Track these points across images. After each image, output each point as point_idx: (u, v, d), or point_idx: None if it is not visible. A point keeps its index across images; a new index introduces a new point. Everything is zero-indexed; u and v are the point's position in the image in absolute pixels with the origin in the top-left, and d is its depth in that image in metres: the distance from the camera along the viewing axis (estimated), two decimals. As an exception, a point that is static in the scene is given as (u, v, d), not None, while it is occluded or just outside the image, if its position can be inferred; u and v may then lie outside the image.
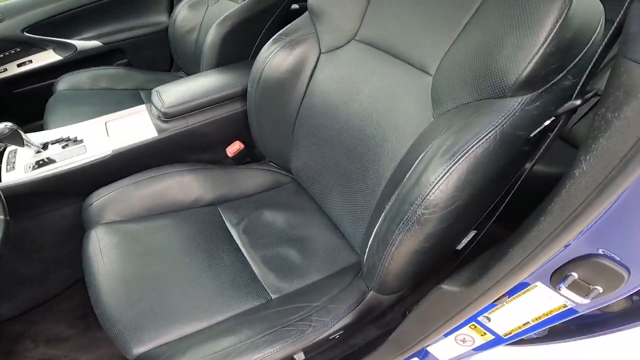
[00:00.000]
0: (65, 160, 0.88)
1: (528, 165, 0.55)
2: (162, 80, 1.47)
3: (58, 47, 1.51)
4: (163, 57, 1.64)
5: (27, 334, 1.02)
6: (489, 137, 0.49)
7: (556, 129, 0.47)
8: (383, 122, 0.70)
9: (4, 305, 1.02)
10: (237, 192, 0.96)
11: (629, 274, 0.40)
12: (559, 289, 0.43)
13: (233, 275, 0.77)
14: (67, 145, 0.93)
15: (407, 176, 0.56)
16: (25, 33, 1.43)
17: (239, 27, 1.12)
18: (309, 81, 0.85)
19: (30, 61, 1.50)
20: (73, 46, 1.50)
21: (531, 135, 0.51)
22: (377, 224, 0.61)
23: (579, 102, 0.43)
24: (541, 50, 0.47)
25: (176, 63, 1.63)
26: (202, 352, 0.63)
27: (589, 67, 0.42)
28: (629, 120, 0.30)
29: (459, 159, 0.49)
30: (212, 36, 1.11)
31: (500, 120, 0.49)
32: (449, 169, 0.50)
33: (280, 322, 0.68)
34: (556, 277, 0.44)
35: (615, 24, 0.37)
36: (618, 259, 0.38)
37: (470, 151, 0.49)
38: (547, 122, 0.49)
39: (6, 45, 1.45)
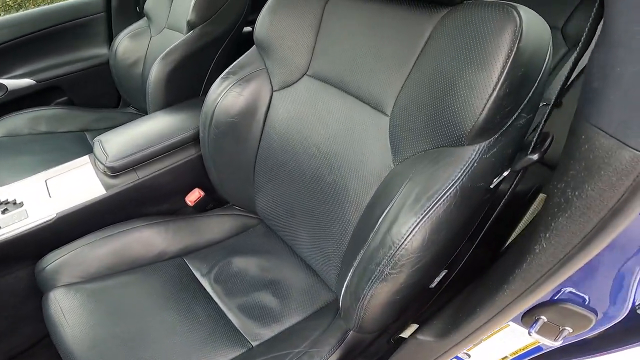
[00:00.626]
0: (7, 227, 0.80)
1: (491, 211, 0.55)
2: (110, 119, 1.39)
3: (-16, 87, 1.38)
4: (107, 92, 1.53)
5: None
6: (449, 194, 0.47)
7: (514, 182, 0.47)
8: (343, 168, 0.68)
9: None
10: (203, 240, 0.91)
11: (596, 316, 0.40)
12: (530, 333, 0.44)
13: (211, 327, 0.73)
14: (7, 209, 0.84)
15: (371, 235, 0.54)
16: (-57, 73, 1.30)
17: (185, 62, 1.06)
18: (264, 122, 0.82)
19: (-44, 103, 1.37)
20: (3, 86, 1.37)
21: (491, 187, 0.50)
22: (347, 278, 0.60)
23: (536, 157, 0.43)
24: (494, 94, 0.44)
25: (124, 98, 1.53)
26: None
27: (547, 110, 0.41)
28: (590, 201, 0.29)
29: (420, 220, 0.48)
30: (155, 73, 1.04)
31: (459, 174, 0.47)
32: (412, 231, 0.48)
33: (264, 375, 0.65)
34: (527, 319, 0.45)
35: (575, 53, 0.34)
36: (585, 298, 0.38)
37: (432, 211, 0.47)
38: (505, 173, 0.48)
39: None
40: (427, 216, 0.47)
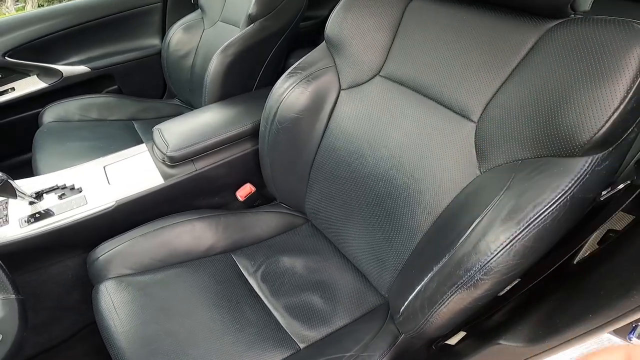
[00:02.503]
0: (65, 213, 0.81)
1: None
2: (156, 109, 1.40)
3: (43, 73, 1.41)
4: (155, 83, 1.55)
5: None
6: (560, 203, 0.45)
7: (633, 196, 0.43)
8: (417, 172, 0.65)
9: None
10: (251, 237, 0.90)
11: None
12: (629, 339, 0.42)
13: (258, 327, 0.72)
14: (64, 194, 0.85)
15: (460, 240, 0.52)
16: (6, 57, 1.33)
17: (243, 55, 1.05)
18: (328, 120, 0.80)
19: (13, 89, 1.39)
20: (59, 72, 1.40)
21: (601, 199, 0.46)
22: (422, 283, 0.58)
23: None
24: (621, 107, 0.42)
25: (169, 90, 1.54)
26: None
27: None
28: None
29: (525, 227, 0.46)
30: (215, 66, 1.03)
31: (570, 184, 0.45)
32: (514, 237, 0.46)
33: (316, 377, 0.63)
34: (623, 327, 0.43)
35: None
36: None
37: (538, 220, 0.45)
38: (622, 186, 0.45)
39: (-14, 71, 1.35)
40: (532, 224, 0.45)
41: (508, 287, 0.65)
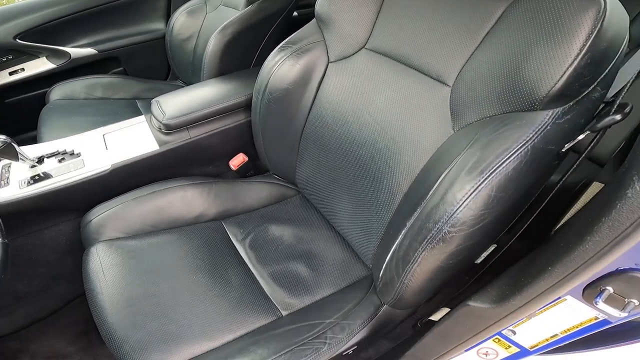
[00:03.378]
0: (62, 176, 0.84)
1: (554, 179, 0.54)
2: (159, 89, 1.44)
3: (51, 54, 1.46)
4: (159, 65, 1.60)
5: (25, 350, 0.98)
6: (521, 152, 0.47)
7: (592, 143, 0.45)
8: (397, 135, 0.68)
9: (0, 321, 0.97)
10: (242, 206, 0.93)
11: None
12: (596, 303, 0.43)
13: (242, 292, 0.74)
14: (63, 159, 0.89)
15: (430, 193, 0.54)
16: (17, 40, 1.38)
17: (240, 35, 1.09)
18: (317, 91, 0.83)
19: (23, 69, 1.45)
20: (67, 54, 1.46)
21: (562, 150, 0.49)
22: (396, 242, 0.59)
23: (619, 117, 0.41)
24: (575, 62, 0.45)
25: (173, 72, 1.59)
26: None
27: (628, 82, 0.40)
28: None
29: (488, 176, 0.47)
30: (213, 45, 1.07)
31: (531, 135, 0.47)
32: (478, 186, 0.48)
33: (294, 341, 0.66)
34: (590, 292, 0.44)
35: None
36: None
37: (501, 167, 0.47)
38: (581, 137, 0.47)
39: (-2, 53, 1.40)
40: (495, 172, 0.47)
41: (484, 254, 0.66)
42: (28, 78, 1.45)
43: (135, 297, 0.70)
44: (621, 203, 0.34)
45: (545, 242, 0.56)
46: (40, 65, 1.46)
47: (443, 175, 0.53)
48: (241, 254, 0.83)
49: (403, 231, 0.58)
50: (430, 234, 0.51)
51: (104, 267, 0.74)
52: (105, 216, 0.82)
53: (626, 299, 0.41)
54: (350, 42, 0.78)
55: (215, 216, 0.90)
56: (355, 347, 0.70)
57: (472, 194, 0.48)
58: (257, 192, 0.95)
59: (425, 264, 0.54)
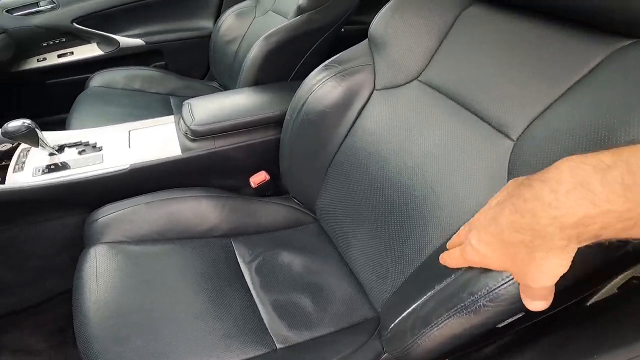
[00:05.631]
0: (79, 169, 0.81)
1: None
2: (195, 89, 1.43)
3: (102, 41, 1.49)
4: (200, 64, 1.59)
5: None
6: None
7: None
8: (439, 185, 0.59)
9: None
10: (255, 226, 0.86)
11: None
12: None
13: (239, 317, 0.68)
14: (84, 150, 0.86)
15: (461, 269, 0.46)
16: (74, 24, 1.41)
17: (285, 45, 1.04)
18: (356, 119, 0.75)
19: (72, 53, 1.49)
20: (116, 42, 1.48)
21: None
22: (419, 301, 0.52)
23: None
24: None
25: (211, 72, 1.57)
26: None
27: None
28: None
29: None
30: (255, 52, 1.03)
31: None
32: None
33: (286, 383, 0.58)
34: None
35: None
36: None
37: None
38: None
39: (53, 34, 1.44)
40: None
41: (508, 320, 0.58)
42: (74, 62, 1.48)
43: (124, 308, 0.65)
44: None
45: (581, 316, 0.49)
46: (88, 51, 1.49)
47: None
48: (246, 277, 0.76)
49: (429, 293, 0.51)
50: (462, 304, 0.44)
51: (98, 273, 0.69)
52: (113, 217, 0.78)
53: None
54: (402, 71, 0.71)
55: (226, 232, 0.84)
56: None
57: None
58: (273, 213, 0.88)
59: (447, 330, 0.47)
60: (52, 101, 1.49)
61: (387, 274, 0.67)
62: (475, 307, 0.43)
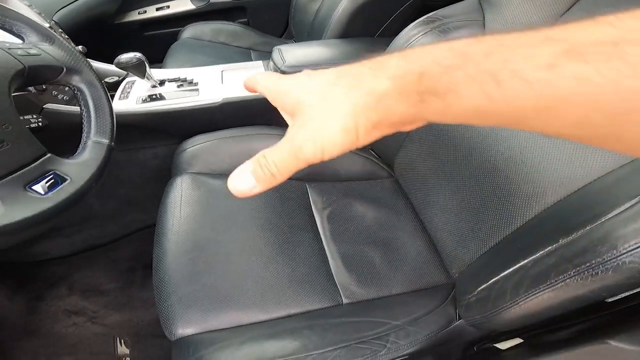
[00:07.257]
0: (177, 100, 0.87)
1: None
2: (273, 44, 1.44)
3: (195, -5, 1.57)
4: (279, 22, 1.64)
5: (67, 278, 0.97)
6: None
7: None
8: (535, 155, 0.56)
9: (59, 242, 0.98)
10: (330, 173, 0.86)
11: None
12: None
13: (308, 266, 0.68)
14: (182, 85, 0.93)
15: (611, 214, 0.42)
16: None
17: (376, 1, 1.02)
18: (454, 74, 0.72)
19: (168, 7, 1.58)
20: (207, -3, 1.55)
21: None
22: (529, 258, 0.48)
23: None
24: None
25: (289, 30, 1.61)
26: (261, 352, 0.56)
27: None
28: None
29: None
30: (346, 4, 1.03)
31: None
32: None
33: (354, 337, 0.58)
34: None
35: None
36: None
37: None
38: None
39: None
40: None
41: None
42: (170, 15, 1.57)
43: (202, 242, 0.67)
44: None
45: None
46: (182, 5, 1.58)
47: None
48: (317, 223, 0.77)
49: (548, 248, 0.47)
50: (598, 259, 0.40)
51: (182, 201, 0.73)
52: (200, 148, 0.82)
53: None
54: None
55: (302, 176, 0.85)
56: (407, 357, 0.61)
57: None
58: (349, 163, 0.88)
59: (563, 291, 0.43)
60: (149, 51, 1.60)
61: (467, 243, 0.64)
62: (583, 275, 0.40)
